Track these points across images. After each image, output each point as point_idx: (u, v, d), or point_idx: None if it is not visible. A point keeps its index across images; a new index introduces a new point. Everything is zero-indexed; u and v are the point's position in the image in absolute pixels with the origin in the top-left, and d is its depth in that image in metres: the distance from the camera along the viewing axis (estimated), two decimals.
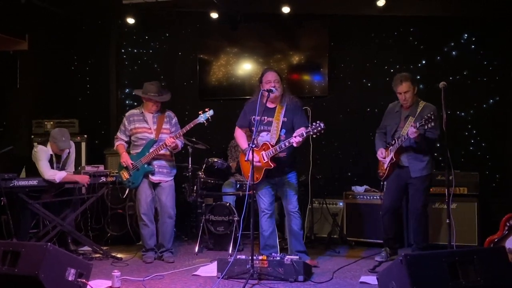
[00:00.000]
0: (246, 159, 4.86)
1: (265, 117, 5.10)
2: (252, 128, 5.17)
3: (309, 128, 4.81)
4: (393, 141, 5.29)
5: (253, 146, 4.74)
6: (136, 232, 6.44)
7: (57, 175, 5.59)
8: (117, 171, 5.73)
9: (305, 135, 4.81)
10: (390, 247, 5.51)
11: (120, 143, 5.65)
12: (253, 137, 4.87)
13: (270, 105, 5.07)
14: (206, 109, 5.27)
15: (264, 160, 5.01)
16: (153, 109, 5.56)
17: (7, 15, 6.69)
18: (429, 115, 4.89)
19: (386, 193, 5.53)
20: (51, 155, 5.76)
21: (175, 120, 5.67)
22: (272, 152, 4.97)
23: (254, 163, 4.82)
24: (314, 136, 4.86)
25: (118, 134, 5.68)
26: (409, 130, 5.01)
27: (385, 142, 5.48)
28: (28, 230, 5.71)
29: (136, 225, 6.32)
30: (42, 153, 5.67)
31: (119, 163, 5.63)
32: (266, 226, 5.23)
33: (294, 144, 4.84)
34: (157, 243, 5.65)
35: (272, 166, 5.00)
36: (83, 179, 5.69)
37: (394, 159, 5.28)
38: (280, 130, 5.10)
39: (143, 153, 5.47)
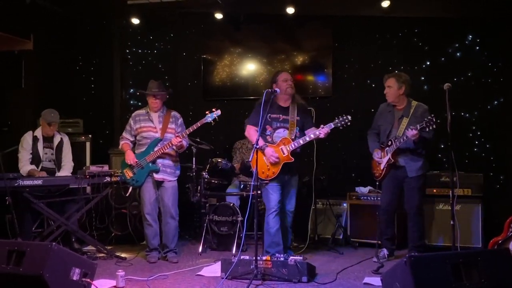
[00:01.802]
0: (250, 158, 4.91)
1: (280, 115, 5.27)
2: (266, 126, 5.25)
3: (337, 120, 5.05)
4: (389, 142, 5.36)
5: (257, 146, 4.76)
6: (139, 232, 6.46)
7: (23, 169, 5.89)
8: (120, 171, 5.75)
9: (333, 126, 5.05)
10: (387, 248, 5.53)
11: (125, 142, 5.68)
12: (261, 134, 4.93)
13: (283, 104, 5.28)
14: (213, 109, 5.30)
15: (284, 154, 5.12)
16: (155, 105, 5.59)
17: (12, 15, 6.70)
18: (430, 117, 4.96)
19: (384, 193, 5.62)
20: (36, 137, 6.03)
21: (181, 120, 5.69)
22: (296, 144, 5.11)
23: (273, 158, 5.06)
24: (341, 128, 5.07)
25: (124, 134, 5.72)
26: (409, 132, 5.06)
27: (379, 142, 5.56)
28: (30, 229, 5.74)
29: (140, 225, 6.34)
30: (23, 142, 6.02)
31: (123, 161, 5.64)
32: (273, 223, 5.25)
33: (322, 136, 5.05)
34: (160, 243, 5.66)
35: (293, 160, 5.11)
36: (42, 174, 5.86)
37: (392, 160, 5.34)
38: (296, 128, 5.26)
39: (147, 152, 5.49)
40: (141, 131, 5.58)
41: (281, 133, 5.25)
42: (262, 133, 5.22)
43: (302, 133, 5.29)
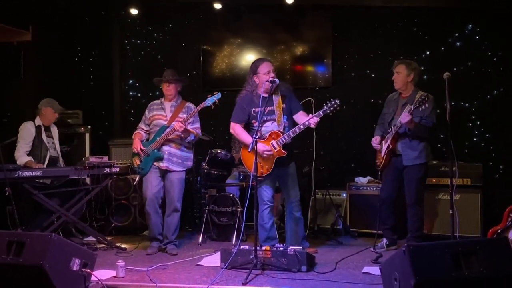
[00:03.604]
0: (249, 150, 4.87)
1: (265, 107, 5.07)
2: (252, 121, 5.17)
3: (326, 107, 4.85)
4: (390, 128, 5.32)
5: (257, 137, 4.75)
6: (139, 223, 6.49)
7: (20, 159, 5.82)
8: (120, 162, 5.75)
9: (322, 114, 4.86)
10: (388, 238, 5.53)
11: (137, 131, 5.70)
12: (256, 128, 4.87)
13: (265, 94, 5.07)
14: (215, 93, 5.28)
15: (276, 149, 5.01)
16: (168, 92, 5.57)
17: (11, 6, 6.68)
18: (422, 97, 4.93)
19: (384, 183, 5.59)
20: (39, 127, 6.01)
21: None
22: (286, 137, 4.98)
23: (266, 152, 4.95)
24: (330, 114, 4.87)
25: (140, 123, 5.75)
26: (402, 115, 5.03)
27: (383, 131, 5.52)
28: (43, 222, 5.74)
29: (140, 216, 6.37)
30: (24, 131, 5.96)
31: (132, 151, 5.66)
32: (267, 218, 5.23)
33: (312, 125, 4.87)
34: (162, 232, 5.63)
35: (285, 153, 5.01)
36: (39, 166, 5.83)
37: (391, 146, 5.30)
38: (283, 117, 5.13)
39: (154, 139, 5.48)
40: (153, 119, 5.59)
41: (269, 127, 5.11)
42: (250, 128, 5.19)
43: (291, 121, 5.16)
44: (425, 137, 5.27)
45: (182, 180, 5.57)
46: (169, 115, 5.55)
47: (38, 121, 6.07)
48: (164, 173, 5.52)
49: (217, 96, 5.25)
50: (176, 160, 5.51)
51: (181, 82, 5.67)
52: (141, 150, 5.50)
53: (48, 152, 6.03)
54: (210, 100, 5.26)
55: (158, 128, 5.52)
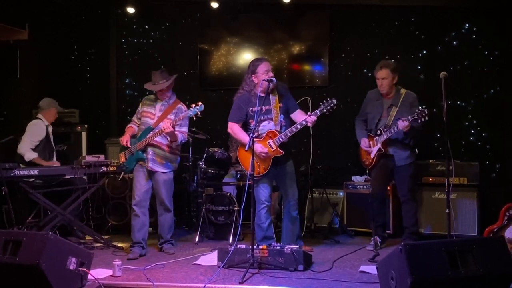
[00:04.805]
0: (246, 149, 4.87)
1: (262, 107, 5.08)
2: (250, 121, 5.17)
3: (322, 106, 4.87)
4: (379, 131, 5.36)
5: (254, 136, 4.76)
6: None
7: (27, 155, 5.86)
8: (117, 161, 5.74)
9: (319, 114, 4.86)
10: (379, 235, 5.56)
11: (130, 125, 5.63)
12: (253, 127, 4.87)
13: (263, 94, 5.03)
14: (199, 103, 5.16)
15: (273, 148, 5.01)
16: (161, 96, 5.49)
17: (7, 4, 6.67)
18: (421, 109, 4.97)
19: (374, 181, 5.66)
20: (48, 126, 6.11)
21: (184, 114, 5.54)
22: (283, 137, 4.98)
23: (263, 154, 4.95)
24: (327, 113, 4.88)
25: (133, 117, 5.69)
26: (400, 124, 5.06)
27: (366, 130, 5.57)
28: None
29: None
30: (36, 129, 6.03)
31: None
32: (265, 218, 5.22)
33: (309, 124, 4.88)
34: (146, 238, 5.54)
35: (282, 153, 5.01)
36: (55, 164, 5.87)
37: (383, 150, 5.36)
38: (280, 116, 5.13)
39: (139, 139, 5.40)
40: (142, 115, 5.51)
41: (266, 126, 5.10)
42: (248, 128, 5.17)
43: (288, 119, 5.16)
44: (415, 136, 5.38)
45: (169, 181, 5.47)
46: (157, 115, 5.44)
47: (45, 121, 6.11)
48: (150, 173, 5.42)
49: (199, 108, 5.12)
50: (160, 161, 5.40)
51: (172, 79, 5.48)
52: (127, 146, 5.43)
53: (53, 152, 6.05)
54: (192, 112, 5.14)
55: (143, 126, 5.43)
